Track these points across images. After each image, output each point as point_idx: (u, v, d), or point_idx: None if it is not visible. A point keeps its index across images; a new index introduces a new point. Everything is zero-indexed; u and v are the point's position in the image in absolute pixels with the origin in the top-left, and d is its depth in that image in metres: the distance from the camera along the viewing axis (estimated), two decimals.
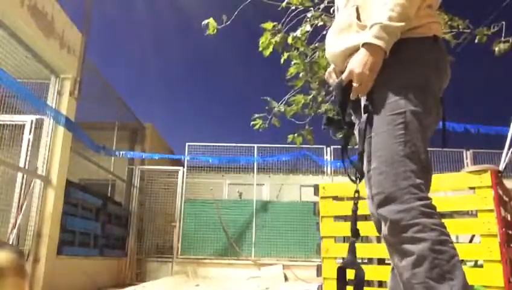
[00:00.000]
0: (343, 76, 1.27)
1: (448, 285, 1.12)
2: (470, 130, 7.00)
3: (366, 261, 3.22)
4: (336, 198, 2.87)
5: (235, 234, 8.31)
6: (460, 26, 4.18)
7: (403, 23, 1.20)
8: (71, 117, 5.15)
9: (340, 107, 1.32)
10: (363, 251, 2.83)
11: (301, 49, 4.30)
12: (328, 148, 9.02)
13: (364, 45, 1.21)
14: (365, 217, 2.94)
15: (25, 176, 4.61)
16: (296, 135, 4.69)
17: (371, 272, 2.64)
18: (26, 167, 4.61)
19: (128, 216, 8.06)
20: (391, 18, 1.18)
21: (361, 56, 1.21)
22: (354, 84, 1.23)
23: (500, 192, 2.30)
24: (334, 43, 1.41)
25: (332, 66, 1.56)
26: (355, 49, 1.26)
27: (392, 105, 1.23)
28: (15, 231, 4.31)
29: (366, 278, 2.86)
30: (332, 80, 1.53)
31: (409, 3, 1.20)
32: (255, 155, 8.90)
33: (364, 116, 1.27)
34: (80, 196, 5.86)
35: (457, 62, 4.41)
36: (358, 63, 1.21)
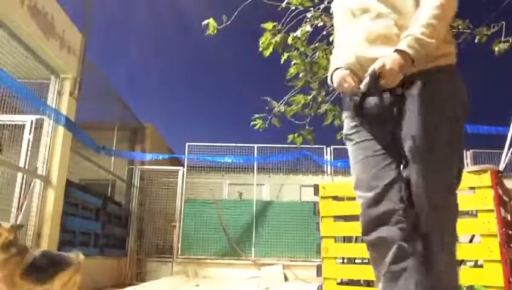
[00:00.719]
0: (376, 66, 1.35)
1: None
2: (469, 130, 7.00)
3: (366, 261, 3.23)
4: (336, 198, 2.87)
5: (235, 234, 8.31)
6: (460, 26, 4.18)
7: (433, 41, 1.32)
8: (71, 117, 5.15)
9: (374, 92, 1.40)
10: (363, 251, 2.83)
11: (301, 49, 4.30)
12: (328, 148, 9.02)
13: (397, 50, 1.34)
14: None
15: (25, 176, 4.61)
16: (296, 135, 4.69)
17: (371, 272, 2.64)
18: (26, 167, 4.61)
19: (128, 216, 8.06)
20: (424, 33, 1.31)
21: (393, 57, 1.33)
22: (382, 80, 1.35)
23: (500, 192, 2.30)
24: (370, 50, 1.47)
25: (347, 72, 1.53)
26: None
27: (445, 129, 1.37)
28: None
29: (366, 278, 2.86)
30: (348, 84, 1.52)
31: (439, 26, 1.33)
32: (255, 155, 8.89)
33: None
34: (80, 196, 5.86)
35: (457, 62, 4.41)
36: (390, 60, 1.33)
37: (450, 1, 1.35)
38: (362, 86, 1.41)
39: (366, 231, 1.43)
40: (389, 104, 1.42)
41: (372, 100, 1.45)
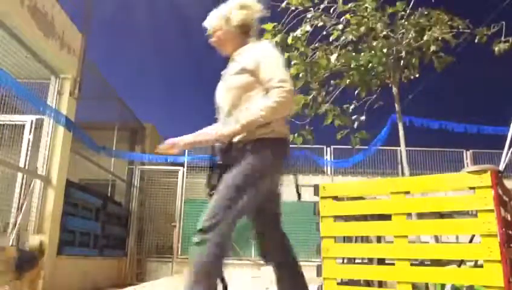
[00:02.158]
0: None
1: None
2: (469, 130, 7.00)
3: (366, 261, 3.23)
4: (336, 198, 2.87)
5: (235, 234, 8.30)
6: (460, 26, 4.18)
7: (246, 126, 1.86)
8: (71, 117, 5.16)
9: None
10: (363, 251, 2.83)
11: (301, 49, 4.30)
12: (328, 148, 9.02)
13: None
14: (365, 217, 2.94)
15: (25, 176, 4.61)
16: (296, 135, 4.69)
17: (371, 272, 2.64)
18: (26, 167, 4.61)
19: (128, 216, 8.06)
20: (243, 119, 1.85)
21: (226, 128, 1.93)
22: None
23: (500, 192, 2.30)
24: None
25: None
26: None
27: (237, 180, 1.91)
28: (15, 231, 4.31)
29: (366, 278, 2.87)
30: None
31: (255, 120, 1.83)
32: None
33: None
34: (80, 196, 5.86)
35: (457, 62, 4.41)
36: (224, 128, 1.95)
37: (275, 110, 1.82)
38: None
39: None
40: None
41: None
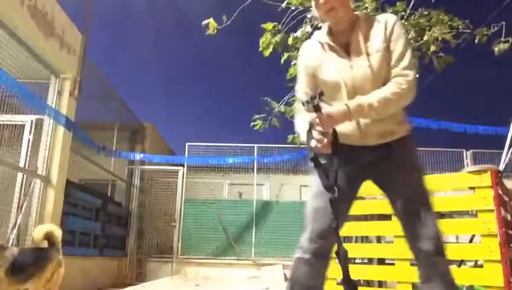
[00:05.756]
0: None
1: None
2: (469, 130, 7.00)
3: (366, 261, 3.23)
4: None
5: (235, 234, 8.31)
6: (460, 26, 4.18)
7: (374, 113, 1.53)
8: (71, 117, 5.16)
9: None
10: (363, 251, 2.83)
11: None
12: None
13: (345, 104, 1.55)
14: (365, 217, 2.94)
15: (25, 176, 4.61)
16: (296, 135, 4.69)
17: (371, 272, 2.64)
18: (26, 167, 4.60)
19: (128, 216, 8.06)
20: (372, 103, 1.51)
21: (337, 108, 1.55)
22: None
23: (500, 192, 2.30)
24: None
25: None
26: None
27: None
28: (15, 231, 4.31)
29: (366, 278, 2.87)
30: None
31: (387, 107, 1.52)
32: (255, 155, 8.89)
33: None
34: (80, 196, 5.86)
35: (457, 62, 4.41)
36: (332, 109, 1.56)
37: (404, 95, 1.53)
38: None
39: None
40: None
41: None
